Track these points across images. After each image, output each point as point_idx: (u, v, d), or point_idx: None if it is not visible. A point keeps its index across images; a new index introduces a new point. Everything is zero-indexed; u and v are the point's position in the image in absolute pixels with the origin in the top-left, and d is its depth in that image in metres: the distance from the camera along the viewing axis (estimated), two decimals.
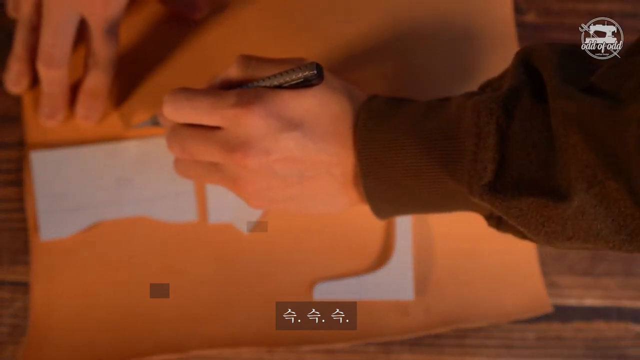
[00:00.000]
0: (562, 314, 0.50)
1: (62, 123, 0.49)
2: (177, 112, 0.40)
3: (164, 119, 0.44)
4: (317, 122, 0.39)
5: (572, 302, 0.51)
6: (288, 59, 0.40)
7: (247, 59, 0.40)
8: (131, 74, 0.50)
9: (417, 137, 0.38)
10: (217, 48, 0.50)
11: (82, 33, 0.47)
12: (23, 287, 0.49)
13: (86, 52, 0.47)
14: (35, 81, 0.49)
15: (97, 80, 0.47)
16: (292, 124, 0.38)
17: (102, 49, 0.47)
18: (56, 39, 0.45)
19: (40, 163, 0.48)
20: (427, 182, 0.39)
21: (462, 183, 0.37)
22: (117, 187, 0.49)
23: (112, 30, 0.46)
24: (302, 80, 0.38)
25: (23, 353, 0.47)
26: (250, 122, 0.38)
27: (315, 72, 0.37)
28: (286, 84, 0.38)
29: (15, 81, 0.48)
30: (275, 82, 0.38)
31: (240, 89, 0.39)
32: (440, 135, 0.37)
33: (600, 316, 0.51)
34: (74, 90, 0.49)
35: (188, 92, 0.39)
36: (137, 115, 0.50)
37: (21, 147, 0.49)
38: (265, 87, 0.39)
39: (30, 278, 0.48)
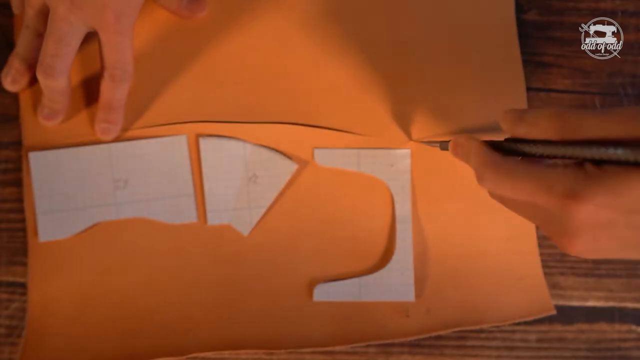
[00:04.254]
0: (565, 315, 0.50)
1: (60, 123, 0.49)
2: (496, 186, 0.37)
3: (459, 155, 0.41)
4: None
5: (574, 303, 0.50)
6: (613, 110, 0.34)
7: (562, 117, 0.34)
8: (140, 80, 0.50)
9: None
10: (221, 49, 0.50)
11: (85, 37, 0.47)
12: (21, 287, 0.48)
13: (100, 64, 0.47)
14: (33, 80, 0.48)
15: (113, 94, 0.47)
16: (630, 212, 0.33)
17: (117, 61, 0.46)
18: (58, 50, 0.45)
19: (39, 164, 0.48)
20: None
21: None
22: (116, 188, 0.49)
23: (125, 42, 0.46)
24: None
25: (20, 354, 0.47)
26: (578, 215, 0.34)
27: None
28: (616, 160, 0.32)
29: (14, 80, 0.48)
30: (604, 156, 0.32)
31: (564, 171, 0.34)
32: None
33: (603, 317, 0.50)
34: (76, 93, 0.49)
35: (508, 166, 0.36)
36: (142, 120, 0.49)
37: (19, 146, 0.49)
38: (592, 163, 0.33)
39: (28, 279, 0.48)
